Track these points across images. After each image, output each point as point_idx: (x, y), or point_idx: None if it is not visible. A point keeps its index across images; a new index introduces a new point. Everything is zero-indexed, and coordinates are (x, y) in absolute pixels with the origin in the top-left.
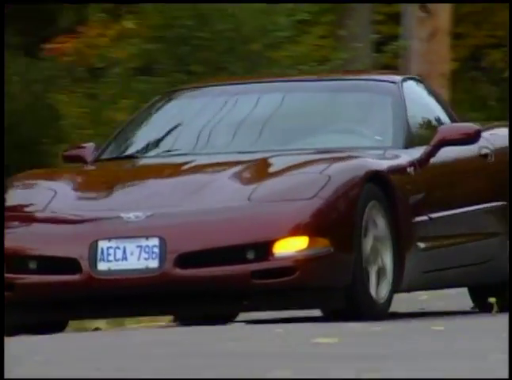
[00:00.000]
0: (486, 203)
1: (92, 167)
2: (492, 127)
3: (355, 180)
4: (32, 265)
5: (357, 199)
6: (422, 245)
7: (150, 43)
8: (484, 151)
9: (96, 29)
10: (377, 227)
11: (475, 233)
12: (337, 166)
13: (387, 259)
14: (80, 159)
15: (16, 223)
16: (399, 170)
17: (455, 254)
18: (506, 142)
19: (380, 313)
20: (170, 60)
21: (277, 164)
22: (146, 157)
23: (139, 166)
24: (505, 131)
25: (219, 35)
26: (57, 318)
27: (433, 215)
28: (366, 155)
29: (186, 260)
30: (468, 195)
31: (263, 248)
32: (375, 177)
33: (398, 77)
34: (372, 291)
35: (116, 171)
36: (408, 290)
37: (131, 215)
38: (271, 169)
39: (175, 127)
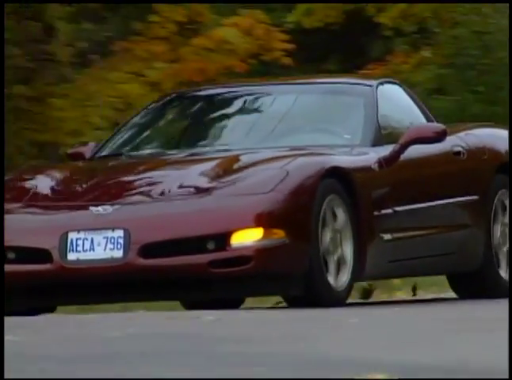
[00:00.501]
0: (457, 197)
1: (81, 164)
2: (468, 128)
3: (313, 175)
4: (11, 255)
5: (315, 193)
6: (386, 236)
7: (443, 68)
8: (457, 149)
9: (400, 58)
10: (337, 219)
11: (446, 225)
12: (296, 162)
13: (348, 249)
14: (80, 156)
15: None
16: (363, 166)
17: (422, 245)
18: (479, 141)
19: (338, 299)
20: (459, 82)
21: (244, 160)
22: (130, 155)
23: (118, 163)
24: (480, 131)
25: (499, 61)
26: (33, 305)
27: (399, 208)
28: (332, 152)
29: (149, 250)
30: (439, 189)
31: (221, 239)
32: (334, 172)
33: (374, 81)
34: (331, 279)
35: (96, 168)
36: (373, 279)
37: (100, 208)
38: (237, 165)
39: (165, 127)
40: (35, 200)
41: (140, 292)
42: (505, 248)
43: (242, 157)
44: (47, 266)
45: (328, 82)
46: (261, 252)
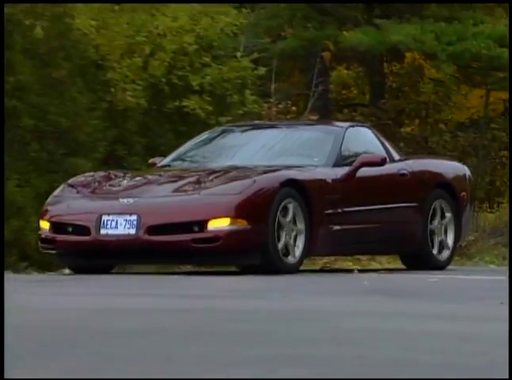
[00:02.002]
0: (400, 203)
1: (143, 170)
2: (414, 158)
3: (274, 183)
4: (69, 229)
5: (274, 196)
6: (336, 227)
7: None
8: (402, 171)
9: None
10: (294, 215)
11: (389, 221)
12: (264, 175)
13: (302, 233)
14: (153, 165)
15: (60, 203)
16: (319, 179)
17: (368, 234)
18: (422, 166)
19: (289, 270)
20: None
21: (232, 172)
22: (172, 166)
23: (158, 171)
24: (424, 160)
25: None
26: (78, 264)
27: (346, 209)
28: (301, 169)
29: (153, 229)
30: (385, 197)
31: (202, 224)
32: (292, 182)
33: (346, 124)
34: (283, 256)
35: (143, 173)
36: (326, 255)
37: (125, 200)
38: (225, 175)
39: (203, 149)
40: (94, 192)
41: (146, 258)
42: (438, 238)
43: (232, 170)
44: (87, 237)
45: (311, 124)
46: (228, 234)
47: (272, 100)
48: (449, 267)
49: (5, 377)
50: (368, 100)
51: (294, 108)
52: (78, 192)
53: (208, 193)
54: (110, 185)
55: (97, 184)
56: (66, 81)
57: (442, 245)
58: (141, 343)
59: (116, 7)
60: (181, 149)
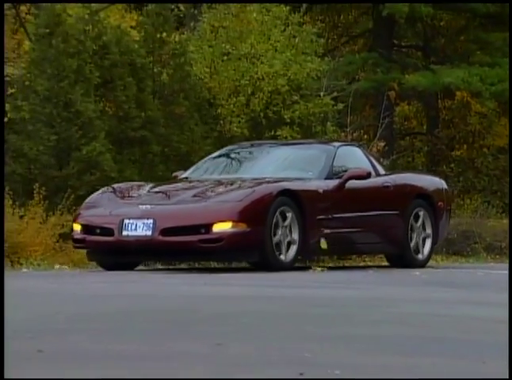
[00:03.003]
0: (384, 211)
1: (167, 182)
2: (396, 172)
3: (271, 192)
4: (97, 230)
5: (271, 204)
6: (326, 230)
7: None
8: (386, 184)
9: None
10: (288, 220)
11: (374, 226)
12: (263, 185)
13: (296, 236)
14: (176, 177)
15: (90, 209)
16: (312, 190)
17: (356, 237)
18: (404, 180)
19: (284, 268)
20: None
21: (236, 183)
22: (190, 178)
23: (176, 182)
24: (406, 174)
25: None
26: (104, 261)
27: (335, 215)
28: (296, 181)
29: (166, 231)
30: (370, 206)
31: (208, 227)
32: (287, 192)
33: (337, 144)
34: (279, 255)
35: (164, 184)
36: (316, 255)
37: (144, 207)
38: (230, 186)
39: (217, 164)
40: (121, 199)
41: (160, 255)
42: (417, 239)
43: (238, 181)
44: (111, 238)
45: (308, 142)
46: (230, 236)
47: (348, 129)
48: (491, 263)
49: (5, 377)
50: (426, 130)
51: (366, 136)
52: (108, 199)
53: (213, 201)
54: (134, 193)
55: (126, 192)
56: (185, 115)
57: (420, 247)
58: (239, 323)
59: (225, 57)
60: (199, 164)
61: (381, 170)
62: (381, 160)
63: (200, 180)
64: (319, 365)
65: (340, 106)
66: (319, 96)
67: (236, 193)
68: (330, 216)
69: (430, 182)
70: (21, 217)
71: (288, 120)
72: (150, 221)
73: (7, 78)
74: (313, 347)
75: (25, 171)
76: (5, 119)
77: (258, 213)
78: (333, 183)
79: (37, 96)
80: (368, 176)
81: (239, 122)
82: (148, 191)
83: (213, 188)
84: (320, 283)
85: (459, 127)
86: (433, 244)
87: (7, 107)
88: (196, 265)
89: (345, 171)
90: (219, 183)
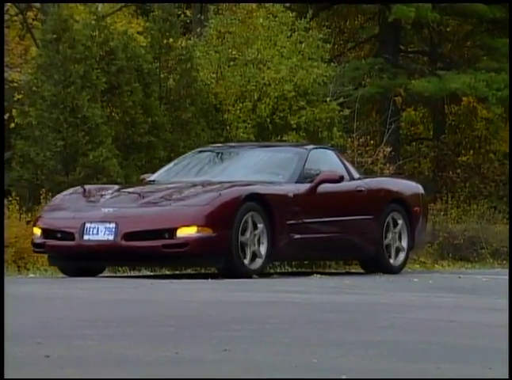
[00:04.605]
0: (357, 215)
1: (134, 186)
2: (371, 177)
3: (238, 196)
4: (58, 235)
5: (237, 208)
6: (296, 235)
7: None
8: (360, 188)
9: None
10: (256, 225)
11: (347, 231)
12: (230, 189)
13: (263, 244)
14: (143, 180)
15: (52, 212)
16: (281, 193)
17: (327, 242)
18: (379, 184)
19: (251, 274)
20: None
21: (202, 187)
22: (156, 181)
23: (141, 185)
24: (381, 179)
25: None
26: (65, 266)
27: (306, 220)
28: (263, 184)
29: (129, 236)
30: (343, 210)
31: (172, 231)
32: (255, 196)
33: (310, 146)
34: (246, 261)
35: (130, 186)
36: (285, 260)
37: (107, 210)
38: (196, 189)
39: (185, 167)
40: (88, 201)
41: (123, 261)
42: (393, 245)
43: (203, 185)
44: (72, 243)
45: (280, 145)
46: (194, 241)
47: (354, 135)
48: (498, 269)
49: (5, 377)
50: (432, 135)
51: (372, 141)
52: (74, 201)
53: (178, 204)
54: (99, 196)
55: (93, 194)
56: (191, 121)
57: (397, 252)
58: (246, 329)
59: (231, 63)
60: (168, 166)
61: (355, 174)
62: (387, 165)
63: (167, 183)
64: (326, 370)
65: (346, 111)
66: (326, 101)
67: (202, 197)
68: (300, 221)
69: (406, 187)
70: (28, 222)
71: (295, 126)
72: (113, 225)
73: (14, 84)
74: (320, 352)
75: (32, 176)
76: (12, 125)
77: (225, 217)
78: (304, 186)
79: (44, 102)
80: (340, 179)
81: (246, 127)
82: (112, 194)
83: (179, 192)
84: (326, 289)
85: (465, 133)
86: (409, 249)
87: (14, 112)
88: (203, 270)
89: (318, 174)
90: (186, 186)
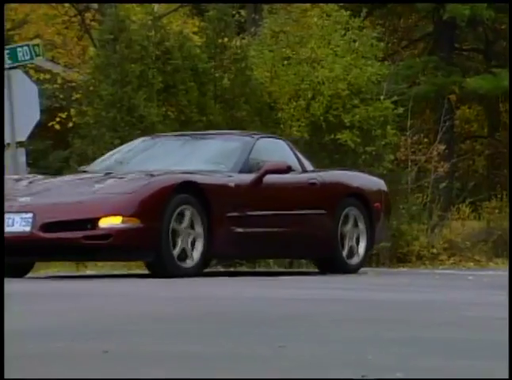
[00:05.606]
0: (309, 210)
1: (60, 175)
2: (325, 170)
3: (170, 185)
4: None
5: (168, 197)
6: (239, 229)
7: None
8: (312, 181)
9: None
10: (190, 218)
11: (298, 226)
12: (160, 176)
13: (199, 239)
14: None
15: None
16: (221, 184)
17: (274, 238)
18: (334, 177)
19: (187, 272)
20: None
21: (131, 174)
22: (87, 170)
23: (69, 175)
24: (336, 172)
25: None
26: None
27: (250, 213)
28: (201, 173)
29: (47, 227)
30: (293, 204)
31: (94, 222)
32: (190, 185)
33: (257, 135)
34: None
35: (55, 176)
36: (227, 258)
37: (24, 199)
38: (125, 177)
39: (123, 156)
40: (8, 192)
41: (40, 254)
42: (349, 242)
43: (138, 174)
44: None
45: (226, 134)
46: (119, 232)
47: (408, 133)
48: None
49: (5, 377)
50: (487, 133)
51: (426, 139)
52: None
53: (102, 192)
54: (20, 186)
55: (16, 183)
56: (246, 119)
57: (353, 251)
58: (301, 325)
59: (285, 62)
60: (106, 156)
61: (309, 166)
62: (441, 163)
63: (99, 172)
64: (381, 367)
65: (400, 110)
66: (379, 99)
67: (129, 185)
68: (243, 214)
69: (366, 181)
70: None
71: (348, 124)
72: (30, 215)
73: (73, 84)
74: (375, 349)
75: None
76: (70, 124)
77: (154, 207)
78: (248, 177)
79: (101, 101)
80: (287, 170)
81: (299, 126)
82: (30, 183)
83: (106, 180)
84: (381, 287)
85: None
86: (369, 247)
87: (72, 112)
88: (258, 268)
89: (262, 164)
90: (116, 175)
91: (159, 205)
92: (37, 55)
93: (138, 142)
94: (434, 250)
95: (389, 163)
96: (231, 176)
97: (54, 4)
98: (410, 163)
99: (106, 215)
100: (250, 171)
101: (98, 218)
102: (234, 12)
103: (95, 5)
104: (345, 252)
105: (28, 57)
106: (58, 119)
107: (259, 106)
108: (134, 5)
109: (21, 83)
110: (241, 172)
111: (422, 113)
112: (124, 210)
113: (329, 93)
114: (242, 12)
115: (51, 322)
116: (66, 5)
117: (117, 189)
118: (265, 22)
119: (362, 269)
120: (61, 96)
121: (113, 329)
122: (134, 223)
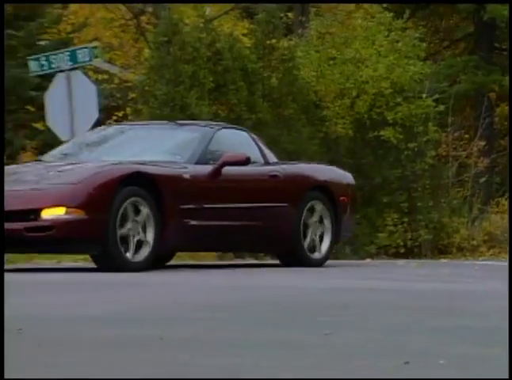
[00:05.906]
0: (270, 203)
1: (28, 162)
2: (291, 163)
3: (118, 176)
4: None
5: (116, 189)
6: (193, 222)
7: None
8: (274, 173)
9: None
10: (140, 212)
11: (257, 219)
12: (108, 167)
13: (150, 232)
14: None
15: None
16: (174, 174)
17: (232, 232)
18: (297, 170)
19: (136, 266)
20: None
21: (79, 165)
22: (43, 160)
23: (18, 165)
24: (300, 165)
25: None
26: None
27: (207, 205)
28: (153, 164)
29: None
30: (251, 197)
31: (36, 213)
32: (139, 175)
33: (217, 127)
34: (129, 254)
35: (24, 164)
36: (177, 251)
37: None
38: (71, 167)
39: (80, 146)
40: None
41: None
42: (312, 236)
43: (88, 164)
44: None
45: (185, 124)
46: (61, 223)
47: (448, 129)
48: None
49: (5, 377)
50: None
51: (466, 136)
52: None
53: (45, 183)
54: None
55: None
56: (293, 117)
57: (316, 245)
58: (348, 314)
59: (331, 62)
60: (62, 146)
61: (272, 158)
62: (481, 159)
63: (50, 162)
64: (424, 354)
65: (441, 107)
66: (421, 98)
67: (74, 175)
68: (199, 206)
69: (332, 174)
70: None
71: (391, 121)
72: None
73: (129, 84)
74: (418, 337)
75: None
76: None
77: (100, 199)
78: (205, 168)
79: (156, 101)
80: (246, 161)
81: (344, 123)
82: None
83: (52, 170)
84: (423, 277)
85: None
86: (334, 241)
87: (128, 110)
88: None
89: (221, 155)
90: (63, 164)
91: (106, 197)
92: (96, 57)
93: (93, 132)
94: (474, 242)
95: (431, 159)
96: (186, 168)
97: (111, 8)
98: (451, 158)
99: (49, 206)
100: (207, 162)
101: (41, 209)
102: (282, 14)
103: (150, 9)
104: (308, 247)
105: (87, 58)
106: (115, 118)
107: (305, 104)
108: (187, 8)
109: (81, 83)
110: (197, 163)
111: (463, 111)
112: (68, 202)
113: (373, 92)
114: (290, 14)
115: (107, 310)
116: (123, 8)
117: (62, 180)
118: (312, 24)
119: (405, 260)
120: (118, 95)
121: (169, 317)
122: (78, 215)
